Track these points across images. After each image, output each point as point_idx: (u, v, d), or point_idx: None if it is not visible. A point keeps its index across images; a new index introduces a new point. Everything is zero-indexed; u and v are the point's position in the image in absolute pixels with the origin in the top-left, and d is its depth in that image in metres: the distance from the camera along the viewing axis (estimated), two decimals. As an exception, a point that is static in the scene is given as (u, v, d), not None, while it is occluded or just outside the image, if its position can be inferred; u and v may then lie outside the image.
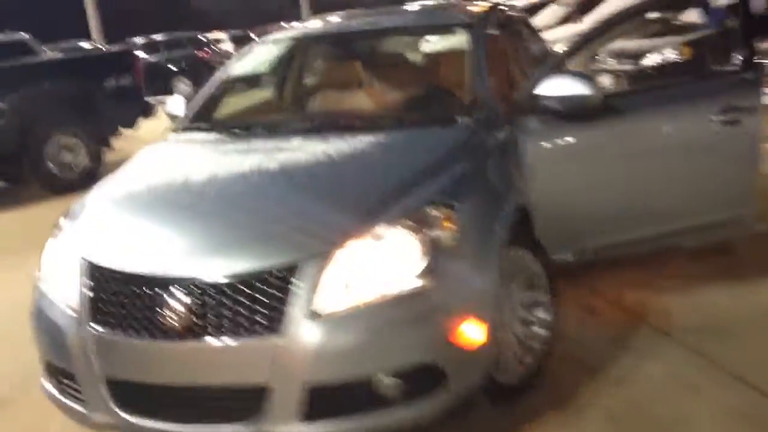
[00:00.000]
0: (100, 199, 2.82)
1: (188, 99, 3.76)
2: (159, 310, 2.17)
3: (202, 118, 3.50)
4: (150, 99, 8.58)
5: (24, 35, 8.26)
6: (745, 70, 3.19)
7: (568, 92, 2.90)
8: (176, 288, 2.17)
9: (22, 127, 7.23)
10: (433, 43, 3.91)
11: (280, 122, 3.49)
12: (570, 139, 3.06)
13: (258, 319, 2.11)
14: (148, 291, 2.22)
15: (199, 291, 2.16)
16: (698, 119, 3.14)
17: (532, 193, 2.89)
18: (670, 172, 3.18)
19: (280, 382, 2.11)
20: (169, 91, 13.78)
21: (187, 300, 2.15)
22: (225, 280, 2.15)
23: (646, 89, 4.34)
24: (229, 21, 28.46)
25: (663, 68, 6.55)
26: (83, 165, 7.69)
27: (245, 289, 2.13)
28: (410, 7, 4.75)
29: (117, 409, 2.28)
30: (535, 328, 2.69)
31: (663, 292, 3.39)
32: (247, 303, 2.12)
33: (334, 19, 4.09)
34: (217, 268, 2.18)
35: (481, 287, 2.32)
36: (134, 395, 2.27)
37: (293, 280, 2.12)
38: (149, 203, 2.71)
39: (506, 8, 4.27)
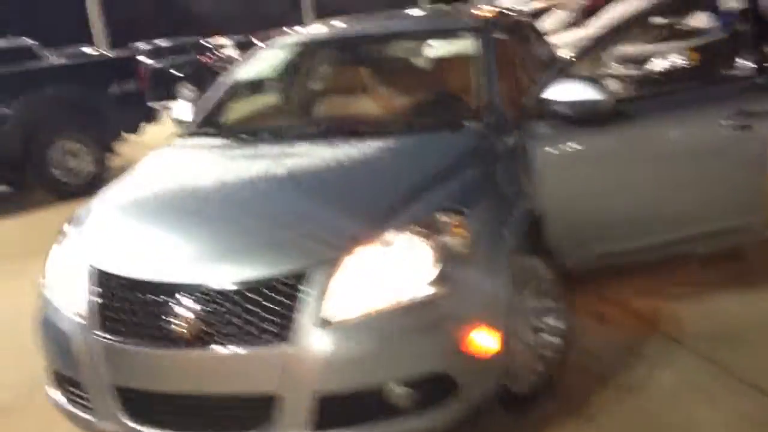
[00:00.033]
0: (107, 204, 2.80)
1: (193, 104, 3.74)
2: (166, 318, 2.15)
3: (210, 123, 3.48)
4: (154, 104, 8.57)
5: (28, 40, 8.26)
6: (757, 75, 3.16)
7: (579, 97, 2.87)
8: (184, 295, 2.15)
9: (26, 133, 7.21)
10: (441, 48, 3.89)
11: (288, 127, 3.47)
12: (579, 145, 3.03)
13: (266, 326, 2.08)
14: (155, 298, 2.19)
15: (207, 298, 2.13)
16: (709, 124, 3.10)
17: (541, 199, 2.86)
18: (681, 178, 3.15)
19: (289, 391, 2.08)
20: (173, 97, 13.77)
21: (195, 307, 2.13)
22: (233, 287, 2.13)
23: (655, 94, 4.31)
24: (231, 26, 28.48)
25: (672, 73, 6.52)
26: (87, 170, 7.66)
27: (253, 296, 2.11)
28: (417, 11, 4.73)
29: (124, 419, 2.25)
30: (547, 336, 2.66)
31: (673, 299, 3.36)
32: (256, 310, 2.10)
33: (341, 23, 4.07)
34: (225, 275, 2.16)
35: (494, 295, 2.29)
36: (142, 404, 2.24)
37: (301, 287, 2.10)
38: (156, 209, 2.69)
39: (513, 13, 4.25)
